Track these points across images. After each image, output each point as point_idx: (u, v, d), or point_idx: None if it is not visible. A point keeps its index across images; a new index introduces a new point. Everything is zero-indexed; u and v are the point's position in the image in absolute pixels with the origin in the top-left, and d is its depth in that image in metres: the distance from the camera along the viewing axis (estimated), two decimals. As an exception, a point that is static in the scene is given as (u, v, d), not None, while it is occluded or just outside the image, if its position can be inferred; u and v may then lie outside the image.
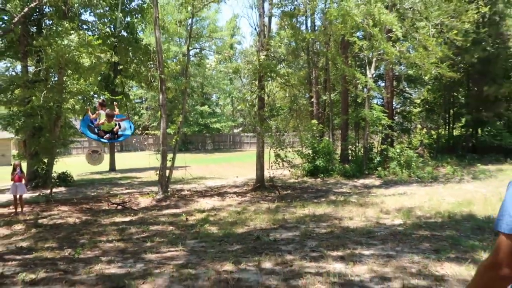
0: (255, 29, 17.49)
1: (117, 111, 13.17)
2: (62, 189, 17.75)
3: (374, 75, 23.29)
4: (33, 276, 5.59)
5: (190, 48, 18.23)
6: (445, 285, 4.83)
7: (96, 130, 12.18)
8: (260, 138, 16.60)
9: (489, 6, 22.40)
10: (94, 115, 12.34)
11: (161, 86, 14.66)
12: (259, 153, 16.47)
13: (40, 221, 10.68)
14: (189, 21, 18.25)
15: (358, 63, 27.08)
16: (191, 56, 26.59)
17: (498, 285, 1.48)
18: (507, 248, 1.44)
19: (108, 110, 12.42)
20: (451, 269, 5.41)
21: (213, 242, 7.51)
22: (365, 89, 21.63)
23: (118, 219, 10.66)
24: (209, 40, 47.32)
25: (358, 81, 21.05)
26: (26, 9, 13.04)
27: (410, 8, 19.79)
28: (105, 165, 23.66)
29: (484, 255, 5.97)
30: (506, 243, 1.44)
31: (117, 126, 12.39)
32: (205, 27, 48.37)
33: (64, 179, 19.08)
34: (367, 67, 21.46)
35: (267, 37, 16.92)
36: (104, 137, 12.17)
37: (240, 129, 58.90)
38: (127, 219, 10.62)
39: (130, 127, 13.10)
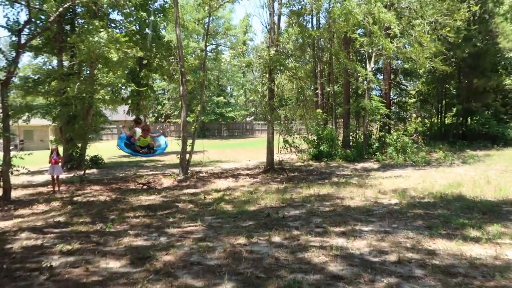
0: (266, 26, 17.30)
1: (151, 129, 12.77)
2: (94, 170, 17.93)
3: (373, 69, 23.03)
4: (69, 247, 5.67)
5: (207, 44, 18.10)
6: (436, 259, 4.79)
7: (132, 146, 11.81)
8: (270, 126, 16.53)
9: (480, 5, 22.01)
10: (130, 132, 11.96)
11: (182, 78, 14.63)
12: (269, 139, 16.42)
13: (75, 198, 10.80)
14: (206, 19, 18.14)
15: (359, 57, 26.75)
16: (208, 52, 26.42)
17: None
18: None
19: (143, 125, 12.16)
20: (442, 244, 5.37)
21: (228, 219, 7.53)
22: (365, 82, 21.40)
23: (143, 197, 10.74)
24: (224, 37, 47.06)
25: (359, 74, 20.86)
26: (60, 9, 12.98)
27: (407, 7, 19.49)
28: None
29: (472, 232, 5.92)
30: None
31: (153, 142, 12.03)
32: (221, 25, 48.09)
33: (96, 161, 19.27)
34: (367, 62, 21.21)
35: (277, 34, 16.72)
36: (140, 151, 11.71)
37: (252, 117, 58.81)
38: (152, 197, 10.70)
39: (165, 142, 12.53)
